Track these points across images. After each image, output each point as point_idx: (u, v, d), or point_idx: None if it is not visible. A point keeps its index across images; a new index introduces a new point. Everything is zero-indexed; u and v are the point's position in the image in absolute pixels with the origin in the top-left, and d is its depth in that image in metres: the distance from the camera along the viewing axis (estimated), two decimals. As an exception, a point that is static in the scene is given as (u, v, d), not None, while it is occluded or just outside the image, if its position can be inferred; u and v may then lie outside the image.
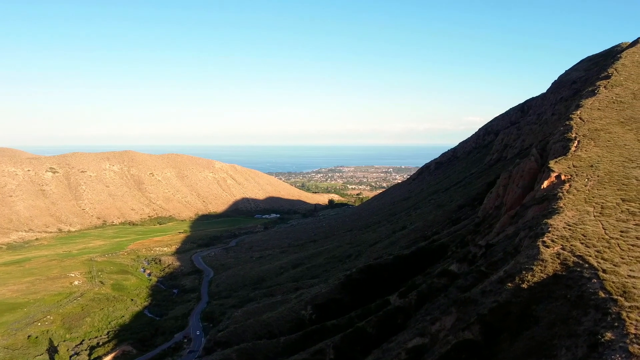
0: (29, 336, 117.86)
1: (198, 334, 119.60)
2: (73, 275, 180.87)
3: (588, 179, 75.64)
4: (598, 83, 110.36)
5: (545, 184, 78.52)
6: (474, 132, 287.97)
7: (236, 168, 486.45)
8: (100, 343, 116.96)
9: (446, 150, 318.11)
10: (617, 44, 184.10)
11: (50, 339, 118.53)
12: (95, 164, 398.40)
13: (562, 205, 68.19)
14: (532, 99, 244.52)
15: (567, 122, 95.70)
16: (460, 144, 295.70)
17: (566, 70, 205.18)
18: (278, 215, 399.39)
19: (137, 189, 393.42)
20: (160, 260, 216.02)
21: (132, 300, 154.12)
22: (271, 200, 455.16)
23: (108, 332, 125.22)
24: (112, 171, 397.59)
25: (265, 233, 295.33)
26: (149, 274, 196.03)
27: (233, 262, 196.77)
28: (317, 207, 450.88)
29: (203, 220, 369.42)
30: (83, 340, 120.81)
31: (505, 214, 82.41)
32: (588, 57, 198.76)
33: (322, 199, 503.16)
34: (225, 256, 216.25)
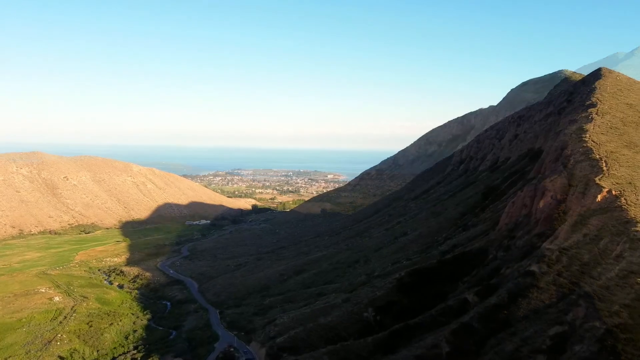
0: (59, 357, 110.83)
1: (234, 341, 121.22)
2: (44, 290, 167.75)
3: (636, 194, 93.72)
4: (590, 110, 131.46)
5: (599, 197, 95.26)
6: (413, 141, 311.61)
7: (155, 172, 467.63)
8: (139, 358, 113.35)
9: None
10: (559, 69, 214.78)
11: (83, 357, 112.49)
12: (1, 167, 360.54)
13: (633, 215, 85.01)
14: (472, 113, 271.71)
15: (584, 145, 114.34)
16: (399, 152, 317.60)
17: (512, 89, 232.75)
18: (209, 222, 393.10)
19: (52, 194, 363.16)
20: (122, 272, 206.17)
21: (132, 314, 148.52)
22: (194, 205, 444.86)
23: (136, 347, 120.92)
24: (21, 174, 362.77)
25: (212, 240, 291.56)
26: (121, 286, 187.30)
27: (212, 271, 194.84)
28: (243, 213, 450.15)
29: (130, 228, 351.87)
30: (115, 357, 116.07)
31: (565, 222, 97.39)
32: (533, 79, 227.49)
33: (243, 204, 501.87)
34: (194, 265, 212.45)
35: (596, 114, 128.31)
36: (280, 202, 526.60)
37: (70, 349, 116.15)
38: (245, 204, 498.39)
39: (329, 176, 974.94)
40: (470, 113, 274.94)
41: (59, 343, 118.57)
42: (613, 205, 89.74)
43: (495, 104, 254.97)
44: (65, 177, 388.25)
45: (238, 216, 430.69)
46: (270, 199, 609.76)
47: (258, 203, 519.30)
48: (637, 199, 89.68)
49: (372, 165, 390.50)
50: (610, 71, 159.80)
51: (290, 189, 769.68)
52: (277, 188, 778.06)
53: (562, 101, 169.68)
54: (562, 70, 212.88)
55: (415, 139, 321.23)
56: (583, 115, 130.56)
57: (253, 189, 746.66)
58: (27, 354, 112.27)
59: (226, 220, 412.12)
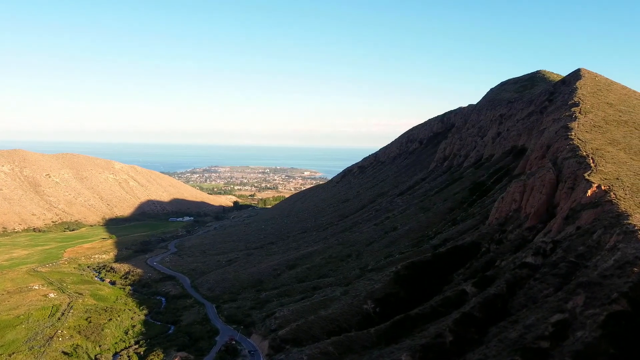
0: (63, 352, 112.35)
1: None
2: (37, 287, 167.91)
3: (623, 189, 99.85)
4: (573, 109, 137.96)
5: (589, 192, 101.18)
6: (394, 138, 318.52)
7: (136, 169, 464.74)
8: (142, 353, 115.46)
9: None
10: (537, 69, 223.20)
11: (87, 352, 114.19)
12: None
13: (624, 209, 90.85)
14: (452, 111, 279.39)
15: (571, 142, 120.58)
16: (381, 149, 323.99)
17: (492, 89, 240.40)
18: (192, 218, 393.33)
19: (34, 192, 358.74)
20: (113, 268, 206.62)
21: (129, 309, 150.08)
22: (176, 202, 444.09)
23: (137, 342, 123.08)
24: (3, 172, 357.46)
25: (198, 236, 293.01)
26: (113, 283, 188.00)
27: (203, 267, 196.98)
28: (225, 209, 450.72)
29: (114, 225, 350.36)
30: (117, 352, 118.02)
31: (556, 216, 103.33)
32: (512, 79, 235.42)
33: (224, 200, 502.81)
34: (184, 261, 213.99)
35: (579, 112, 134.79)
36: (261, 199, 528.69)
37: (73, 344, 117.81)
38: (227, 200, 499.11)
39: (305, 173, 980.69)
40: (450, 111, 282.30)
41: (60, 339, 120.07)
42: (603, 199, 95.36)
43: (474, 102, 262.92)
44: (47, 174, 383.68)
45: (220, 213, 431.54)
46: (250, 195, 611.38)
47: (239, 200, 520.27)
48: (626, 194, 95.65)
49: (349, 162, 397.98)
50: (589, 72, 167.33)
51: (268, 185, 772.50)
52: (255, 185, 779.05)
53: (543, 100, 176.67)
54: (540, 70, 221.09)
55: (391, 137, 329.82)
56: (567, 114, 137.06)
57: (231, 186, 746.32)
58: (30, 350, 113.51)
59: (209, 216, 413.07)
